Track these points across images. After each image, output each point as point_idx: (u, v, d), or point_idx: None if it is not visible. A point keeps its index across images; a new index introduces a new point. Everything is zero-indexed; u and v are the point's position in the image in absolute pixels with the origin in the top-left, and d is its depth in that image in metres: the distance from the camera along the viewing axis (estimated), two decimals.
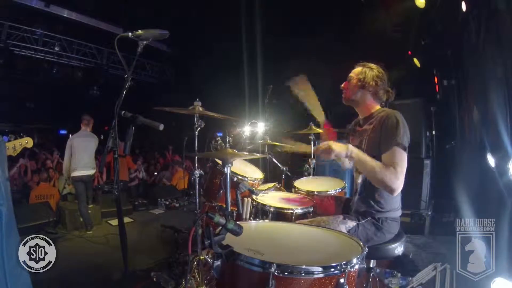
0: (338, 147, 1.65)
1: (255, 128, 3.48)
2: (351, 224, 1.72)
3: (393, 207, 1.78)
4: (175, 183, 7.53)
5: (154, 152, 9.17)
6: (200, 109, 2.31)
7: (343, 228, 1.67)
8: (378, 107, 1.87)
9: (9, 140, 2.01)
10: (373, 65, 1.86)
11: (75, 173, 4.59)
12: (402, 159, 1.60)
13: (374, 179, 1.65)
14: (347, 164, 1.69)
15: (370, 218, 1.75)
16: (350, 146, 1.66)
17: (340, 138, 2.18)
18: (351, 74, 1.90)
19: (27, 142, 2.07)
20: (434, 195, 4.24)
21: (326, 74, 5.02)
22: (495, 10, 2.53)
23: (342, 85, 1.94)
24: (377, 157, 1.69)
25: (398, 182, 1.57)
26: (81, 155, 4.61)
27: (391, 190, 1.59)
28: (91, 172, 4.78)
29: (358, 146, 1.84)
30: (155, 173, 8.04)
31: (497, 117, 2.32)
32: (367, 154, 1.73)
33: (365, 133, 1.82)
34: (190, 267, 2.34)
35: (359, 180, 1.86)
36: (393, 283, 2.42)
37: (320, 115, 2.13)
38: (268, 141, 3.26)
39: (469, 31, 3.14)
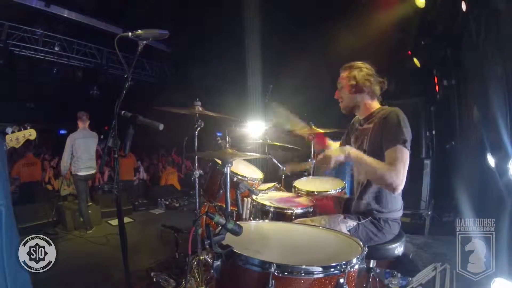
0: (335, 152, 1.66)
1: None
2: (352, 223, 1.72)
3: (394, 208, 1.77)
4: (164, 181, 7.49)
5: (158, 151, 9.19)
6: (200, 109, 2.32)
7: (343, 228, 1.67)
8: (377, 105, 1.85)
9: (12, 132, 1.99)
10: (359, 64, 1.83)
11: (80, 173, 4.62)
12: (405, 157, 1.58)
13: (374, 177, 1.65)
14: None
15: (370, 218, 1.75)
16: (347, 148, 1.66)
17: (338, 137, 2.19)
18: (340, 82, 1.87)
19: (30, 134, 2.07)
20: (434, 195, 4.23)
21: (325, 74, 5.03)
22: (495, 10, 2.52)
23: (335, 95, 1.91)
24: (380, 156, 1.68)
25: (400, 180, 1.55)
26: (84, 155, 4.63)
27: (392, 189, 1.58)
28: (93, 171, 4.82)
29: (360, 146, 1.84)
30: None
31: (497, 117, 2.32)
32: (369, 153, 1.74)
33: (366, 133, 1.81)
34: (190, 267, 2.34)
35: (359, 179, 1.86)
36: (393, 283, 2.43)
37: (302, 129, 2.14)
38: (268, 141, 3.26)
39: (469, 31, 3.14)
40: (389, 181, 1.56)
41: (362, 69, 1.80)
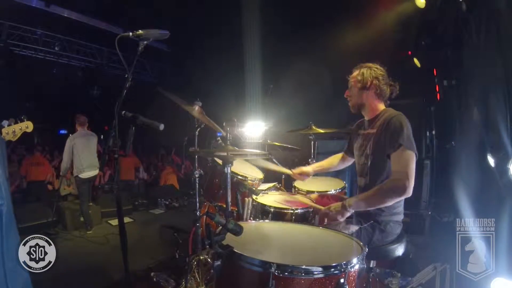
0: (337, 209, 1.67)
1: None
2: (354, 228, 1.73)
3: (396, 211, 1.77)
4: (163, 181, 7.48)
5: (158, 151, 9.18)
6: (200, 109, 2.31)
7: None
8: (383, 107, 1.86)
9: (9, 125, 1.94)
10: (370, 64, 1.84)
11: (83, 175, 4.60)
12: (411, 160, 1.60)
13: (384, 202, 1.65)
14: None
15: (372, 221, 1.75)
16: (345, 203, 1.66)
17: (342, 138, 2.19)
18: (350, 80, 1.89)
19: (27, 126, 2.01)
20: (434, 195, 4.24)
21: (326, 74, 5.03)
22: (495, 10, 2.52)
23: (345, 94, 1.93)
24: (382, 160, 1.69)
25: (411, 183, 1.57)
26: (86, 156, 4.62)
27: (405, 194, 1.59)
28: (96, 172, 4.80)
29: (364, 151, 1.84)
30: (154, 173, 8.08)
31: (497, 117, 2.32)
32: (372, 158, 1.75)
33: (369, 137, 1.82)
34: (190, 267, 2.34)
35: (362, 184, 1.86)
36: (393, 283, 2.42)
37: None
38: (268, 141, 3.26)
39: (469, 31, 3.13)
40: (397, 197, 1.59)
41: (372, 68, 1.82)
